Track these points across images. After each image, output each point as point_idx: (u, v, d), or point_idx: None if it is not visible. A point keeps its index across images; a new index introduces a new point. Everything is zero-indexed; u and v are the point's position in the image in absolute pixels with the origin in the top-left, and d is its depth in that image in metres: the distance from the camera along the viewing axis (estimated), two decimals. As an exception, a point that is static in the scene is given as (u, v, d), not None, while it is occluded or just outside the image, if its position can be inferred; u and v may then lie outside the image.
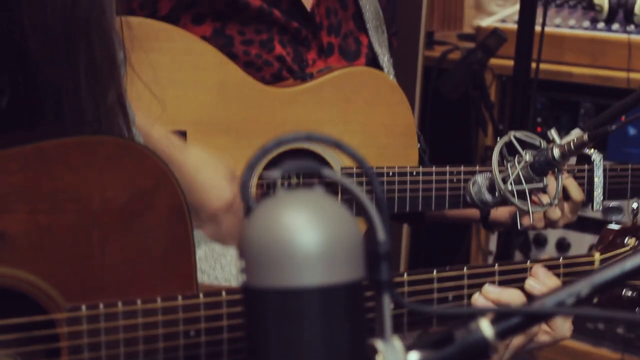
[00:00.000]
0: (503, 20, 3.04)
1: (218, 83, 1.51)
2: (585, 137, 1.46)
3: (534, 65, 2.35)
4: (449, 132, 3.03)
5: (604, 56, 2.85)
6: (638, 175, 1.83)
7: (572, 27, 2.92)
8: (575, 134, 1.58)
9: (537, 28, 2.28)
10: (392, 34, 1.82)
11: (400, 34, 2.77)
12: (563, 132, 2.91)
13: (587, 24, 2.92)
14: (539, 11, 2.28)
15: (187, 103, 1.49)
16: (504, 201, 1.51)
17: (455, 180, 1.65)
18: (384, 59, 1.73)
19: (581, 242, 2.81)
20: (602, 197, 1.75)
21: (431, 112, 3.02)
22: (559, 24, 2.94)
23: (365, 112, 1.62)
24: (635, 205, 1.39)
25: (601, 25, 2.89)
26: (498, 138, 1.53)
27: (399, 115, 1.65)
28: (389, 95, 1.64)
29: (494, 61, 2.80)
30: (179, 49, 1.49)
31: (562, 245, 2.85)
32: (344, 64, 1.68)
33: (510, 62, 2.36)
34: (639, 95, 1.60)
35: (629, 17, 2.85)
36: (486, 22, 3.04)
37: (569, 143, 1.45)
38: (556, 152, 1.46)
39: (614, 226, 1.35)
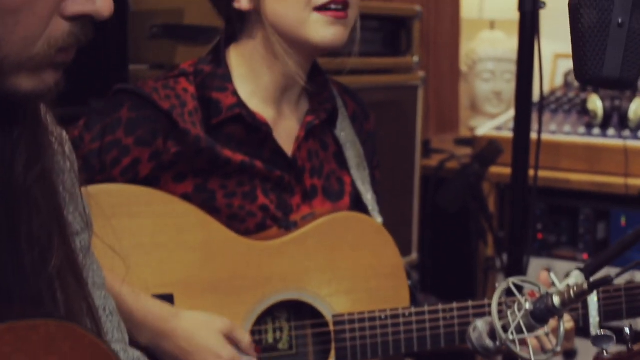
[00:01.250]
0: (499, 128, 3.06)
1: (202, 242, 1.52)
2: (586, 285, 1.44)
3: (531, 172, 2.35)
4: (449, 243, 3.03)
5: (601, 162, 2.86)
6: (633, 295, 1.82)
7: (567, 134, 2.94)
8: (575, 277, 1.57)
9: (533, 134, 2.28)
10: (375, 167, 1.83)
11: (396, 143, 2.80)
12: (564, 237, 2.93)
13: (582, 129, 2.93)
14: (535, 117, 2.28)
15: (172, 265, 1.50)
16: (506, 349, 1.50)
17: (449, 318, 1.65)
18: (367, 196, 1.74)
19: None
20: (598, 319, 1.73)
21: (431, 224, 3.03)
22: (554, 130, 2.96)
23: (352, 257, 1.62)
24: (627, 330, 1.37)
25: (596, 130, 2.90)
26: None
27: (385, 256, 1.66)
28: (374, 238, 1.64)
29: (491, 169, 2.81)
30: (160, 212, 1.50)
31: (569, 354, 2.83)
32: (328, 205, 1.69)
33: (508, 170, 2.37)
34: (638, 233, 1.59)
35: (623, 122, 2.87)
36: (482, 130, 3.06)
37: (569, 291, 1.44)
38: (556, 301, 1.45)
39: (606, 356, 1.33)
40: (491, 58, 3.73)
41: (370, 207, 1.72)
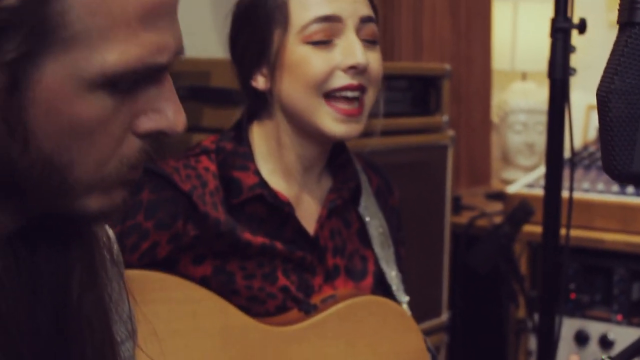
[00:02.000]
0: (530, 186, 3.00)
1: (219, 329, 1.48)
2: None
3: (563, 231, 2.30)
4: (480, 304, 2.97)
5: (635, 222, 2.79)
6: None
7: (601, 192, 2.87)
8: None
9: (565, 192, 2.22)
10: (400, 243, 1.79)
11: (425, 202, 2.76)
12: (597, 297, 2.86)
13: (616, 188, 2.87)
14: (566, 174, 2.22)
15: (188, 353, 1.46)
16: None
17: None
18: (392, 274, 1.69)
19: (625, 336, 2.71)
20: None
21: (461, 284, 2.97)
22: (587, 189, 2.89)
23: (373, 343, 1.57)
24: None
25: (630, 189, 2.84)
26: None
27: (408, 341, 1.61)
28: (396, 323, 1.60)
29: (523, 227, 2.75)
30: (176, 298, 1.47)
31: (605, 342, 2.75)
32: (351, 285, 1.64)
33: (540, 229, 2.31)
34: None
35: (658, 181, 2.80)
36: (513, 187, 3.00)
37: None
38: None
39: None
40: (523, 110, 3.68)
41: (394, 287, 1.68)
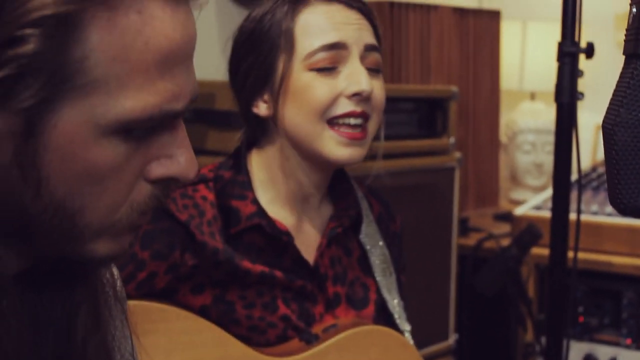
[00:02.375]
0: (537, 208, 2.98)
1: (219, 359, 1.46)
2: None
3: (571, 253, 2.28)
4: (487, 327, 2.94)
5: (645, 245, 2.76)
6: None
7: (609, 215, 2.85)
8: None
9: (574, 215, 2.20)
10: (401, 270, 1.77)
11: (432, 224, 2.74)
12: (606, 320, 2.83)
13: (624, 210, 2.84)
14: (574, 197, 2.19)
15: (187, 384, 1.44)
16: None
17: None
18: (394, 303, 1.67)
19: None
20: None
21: (468, 307, 2.95)
22: (595, 211, 2.87)
23: (375, 373, 1.55)
24: None
25: None
26: None
27: (412, 371, 1.59)
28: (399, 353, 1.58)
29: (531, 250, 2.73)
30: (175, 329, 1.45)
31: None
32: (352, 314, 1.62)
33: (547, 251, 2.28)
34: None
35: (667, 202, 2.77)
36: (521, 210, 2.98)
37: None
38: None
39: None
40: (532, 130, 3.66)
41: (396, 315, 1.66)
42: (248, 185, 1.56)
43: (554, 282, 2.23)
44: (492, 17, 3.51)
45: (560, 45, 1.98)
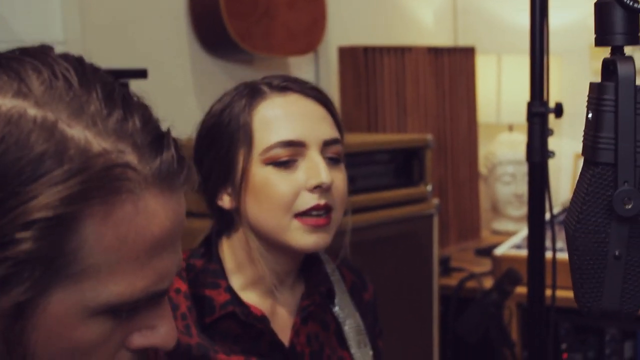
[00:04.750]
0: (517, 247, 3.00)
1: None
2: None
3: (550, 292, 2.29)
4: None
5: (624, 283, 2.77)
6: None
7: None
8: None
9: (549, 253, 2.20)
10: (377, 335, 1.78)
11: (413, 270, 2.75)
12: (590, 356, 2.85)
13: (603, 248, 2.86)
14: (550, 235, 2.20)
15: None
16: None
17: None
18: (369, 375, 1.69)
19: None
20: None
21: (452, 350, 2.96)
22: (574, 249, 2.88)
23: None
24: None
25: (618, 249, 2.82)
26: None
27: None
28: None
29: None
30: None
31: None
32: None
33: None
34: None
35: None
36: (500, 249, 3.00)
37: None
38: None
39: None
40: (511, 161, 3.69)
41: (372, 387, 1.67)
42: (221, 273, 1.57)
43: (533, 322, 2.25)
44: (467, 54, 3.54)
45: (530, 106, 1.99)
